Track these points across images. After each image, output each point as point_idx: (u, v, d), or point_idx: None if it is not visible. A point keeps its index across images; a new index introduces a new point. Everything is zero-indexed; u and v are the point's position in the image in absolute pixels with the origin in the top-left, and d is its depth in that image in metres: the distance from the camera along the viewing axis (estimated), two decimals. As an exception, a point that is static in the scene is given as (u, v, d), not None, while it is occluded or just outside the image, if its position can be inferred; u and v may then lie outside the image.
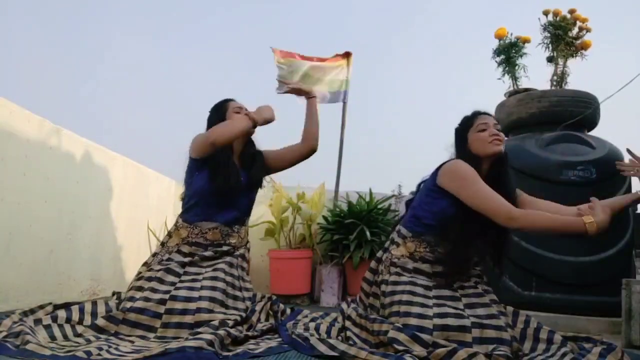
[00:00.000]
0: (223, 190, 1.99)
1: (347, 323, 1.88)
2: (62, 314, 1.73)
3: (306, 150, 2.19)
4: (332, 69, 3.58)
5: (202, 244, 2.01)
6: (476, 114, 1.88)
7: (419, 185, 1.98)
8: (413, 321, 1.61)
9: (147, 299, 1.74)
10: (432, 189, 1.83)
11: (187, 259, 1.94)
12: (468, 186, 1.68)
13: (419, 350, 1.51)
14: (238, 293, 1.93)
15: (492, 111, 3.05)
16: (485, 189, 1.67)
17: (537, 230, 1.61)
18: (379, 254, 1.96)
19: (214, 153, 2.00)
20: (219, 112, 2.14)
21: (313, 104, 2.22)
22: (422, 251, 1.83)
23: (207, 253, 1.99)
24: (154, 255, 2.05)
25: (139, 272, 1.96)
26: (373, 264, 1.96)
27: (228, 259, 2.00)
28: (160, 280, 1.84)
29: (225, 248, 2.03)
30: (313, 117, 2.21)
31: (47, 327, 1.64)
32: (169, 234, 2.09)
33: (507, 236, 1.82)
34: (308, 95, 2.23)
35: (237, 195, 2.05)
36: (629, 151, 1.82)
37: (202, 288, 1.81)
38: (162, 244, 2.09)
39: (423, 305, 1.66)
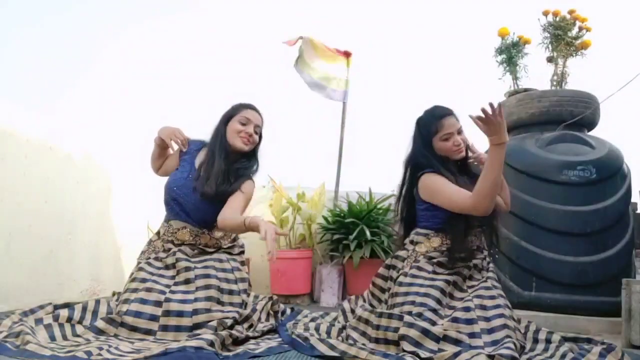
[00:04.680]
0: (203, 190, 1.97)
1: (350, 316, 1.91)
2: (63, 312, 1.73)
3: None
4: (333, 64, 3.56)
5: (174, 243, 2.01)
6: (438, 118, 1.92)
7: (401, 189, 2.10)
8: (428, 314, 1.65)
9: (142, 301, 1.74)
10: (423, 206, 1.97)
11: (172, 259, 1.93)
12: (441, 196, 1.86)
13: (429, 344, 1.54)
14: (234, 286, 1.93)
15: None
16: (451, 191, 1.82)
17: (487, 192, 1.71)
18: (402, 252, 2.02)
19: (204, 158, 2.07)
20: (228, 115, 2.12)
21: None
22: (448, 243, 1.92)
23: (184, 248, 1.98)
24: (142, 253, 2.06)
25: (132, 274, 1.95)
26: (388, 260, 2.04)
27: (215, 255, 2.00)
28: (155, 281, 1.83)
29: (200, 248, 2.03)
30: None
31: (48, 327, 1.64)
32: (157, 232, 2.11)
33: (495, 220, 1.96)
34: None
35: (205, 200, 1.98)
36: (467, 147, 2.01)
37: (197, 289, 1.81)
38: (149, 241, 2.10)
39: (439, 302, 1.72)
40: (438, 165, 1.91)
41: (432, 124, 1.92)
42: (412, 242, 2.00)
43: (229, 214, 1.92)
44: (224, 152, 2.06)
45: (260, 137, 2.15)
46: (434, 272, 1.84)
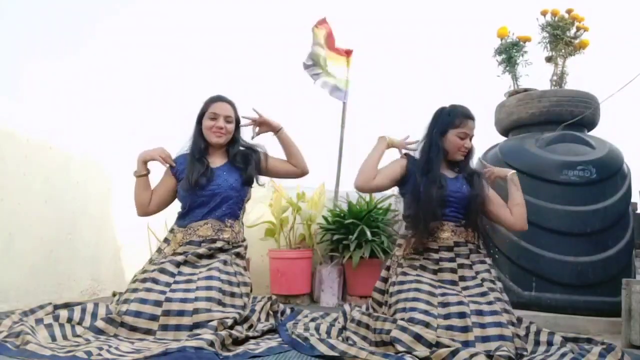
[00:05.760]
0: (188, 187, 2.01)
1: (349, 322, 1.90)
2: (63, 313, 1.73)
3: (297, 173, 2.25)
4: (336, 62, 3.53)
5: (195, 241, 2.02)
6: (466, 117, 1.98)
7: None
8: (419, 316, 1.63)
9: (142, 301, 1.74)
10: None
11: (180, 258, 1.94)
12: None
13: (421, 350, 1.51)
14: (236, 289, 1.93)
15: (491, 112, 3.07)
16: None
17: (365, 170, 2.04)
18: (388, 262, 2.04)
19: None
20: (200, 114, 2.15)
21: (282, 138, 2.18)
22: (425, 242, 1.91)
23: (201, 250, 1.99)
24: (150, 261, 2.04)
25: (134, 275, 1.96)
26: (384, 272, 2.03)
27: (222, 257, 2.00)
28: (155, 281, 1.83)
29: (219, 244, 2.03)
30: (289, 149, 2.20)
31: (48, 327, 1.64)
32: (166, 240, 2.10)
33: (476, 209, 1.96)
34: (275, 131, 2.18)
35: (225, 190, 2.06)
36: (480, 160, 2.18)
37: (197, 289, 1.81)
38: (159, 249, 2.09)
39: (429, 303, 1.70)
40: (434, 153, 1.97)
41: (457, 117, 1.98)
42: (397, 245, 2.03)
43: None
44: (199, 151, 2.10)
45: (237, 122, 2.17)
46: (418, 276, 1.84)
